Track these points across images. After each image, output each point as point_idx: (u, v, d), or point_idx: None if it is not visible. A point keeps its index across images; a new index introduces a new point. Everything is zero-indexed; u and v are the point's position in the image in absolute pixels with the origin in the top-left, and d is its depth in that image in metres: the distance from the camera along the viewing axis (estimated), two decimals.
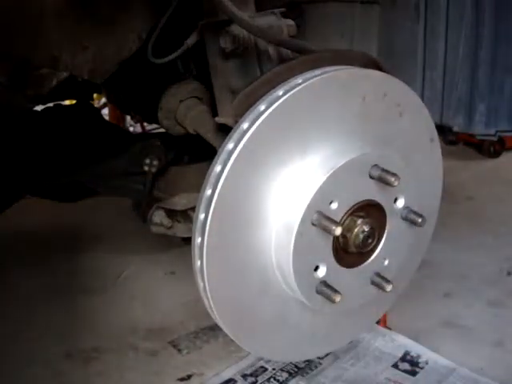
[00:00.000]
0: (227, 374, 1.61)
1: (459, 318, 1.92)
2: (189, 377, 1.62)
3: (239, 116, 1.01)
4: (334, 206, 1.01)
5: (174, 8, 1.33)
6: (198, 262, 1.00)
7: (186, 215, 1.67)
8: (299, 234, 0.98)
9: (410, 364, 1.64)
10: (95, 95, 2.64)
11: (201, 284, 1.02)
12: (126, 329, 1.86)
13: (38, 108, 1.93)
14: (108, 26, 1.26)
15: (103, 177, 1.84)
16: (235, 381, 1.58)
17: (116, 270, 2.27)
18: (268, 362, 1.64)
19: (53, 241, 2.57)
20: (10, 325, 1.84)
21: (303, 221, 0.98)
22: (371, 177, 1.04)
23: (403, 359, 1.66)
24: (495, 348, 1.75)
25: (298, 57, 1.11)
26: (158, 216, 1.68)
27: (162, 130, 1.72)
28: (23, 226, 2.70)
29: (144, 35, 1.33)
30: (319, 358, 1.65)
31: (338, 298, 1.03)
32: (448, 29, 1.53)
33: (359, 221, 1.05)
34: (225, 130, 1.25)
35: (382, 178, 1.02)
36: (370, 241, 1.07)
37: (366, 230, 1.05)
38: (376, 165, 1.03)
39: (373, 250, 1.11)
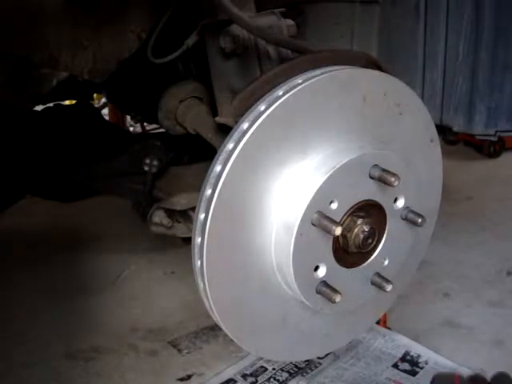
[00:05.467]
0: (227, 374, 1.61)
1: (459, 317, 1.92)
2: (189, 377, 1.62)
3: (239, 116, 1.01)
4: (334, 205, 1.01)
5: (173, 8, 1.33)
6: (198, 262, 1.00)
7: (186, 215, 1.67)
8: (299, 234, 0.98)
9: (410, 364, 1.64)
10: (95, 95, 2.64)
11: (201, 284, 1.02)
12: (125, 329, 1.86)
13: (38, 108, 1.93)
14: (108, 25, 1.26)
15: (103, 177, 1.84)
16: (235, 381, 1.58)
17: (116, 270, 2.27)
18: (268, 361, 1.64)
19: (53, 241, 2.57)
20: (10, 325, 1.84)
21: (303, 221, 0.98)
22: (371, 177, 1.04)
23: (403, 359, 1.66)
24: (495, 348, 1.75)
25: (298, 57, 1.11)
26: (158, 216, 1.68)
27: (162, 130, 1.72)
28: (23, 226, 2.70)
29: (144, 35, 1.32)
30: (319, 358, 1.65)
31: (337, 298, 1.03)
32: (448, 29, 1.53)
33: (359, 221, 1.05)
34: (225, 130, 1.25)
35: (382, 178, 1.02)
36: (369, 241, 1.07)
37: (366, 230, 1.05)
38: (376, 165, 1.03)
39: (373, 250, 1.11)
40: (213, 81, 1.36)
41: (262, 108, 0.97)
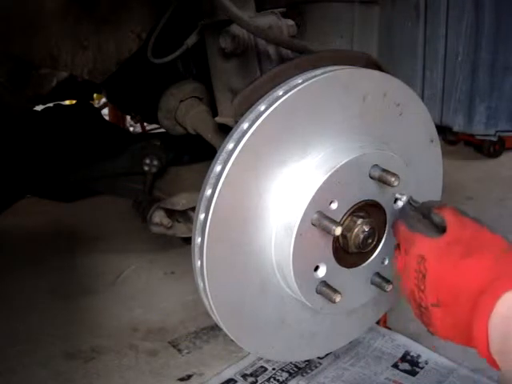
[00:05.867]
0: (227, 374, 1.61)
1: None
2: (189, 377, 1.62)
3: (239, 116, 1.01)
4: (334, 205, 1.01)
5: (174, 8, 1.33)
6: (198, 262, 1.00)
7: (186, 215, 1.67)
8: (299, 234, 0.98)
9: (410, 364, 1.64)
10: (95, 95, 2.64)
11: (201, 284, 1.02)
12: (125, 329, 1.86)
13: (38, 108, 1.93)
14: (108, 26, 1.26)
15: (103, 177, 1.84)
16: (235, 381, 1.58)
17: (116, 270, 2.27)
18: (268, 361, 1.64)
19: (53, 241, 2.57)
20: (10, 325, 1.84)
21: (303, 221, 0.98)
22: (371, 177, 1.04)
23: (403, 359, 1.66)
24: None
25: (298, 57, 1.11)
26: (158, 216, 1.68)
27: (162, 130, 1.72)
28: (23, 226, 2.70)
29: (144, 35, 1.33)
30: (319, 358, 1.65)
31: (337, 298, 1.03)
32: (448, 29, 1.52)
33: (359, 221, 1.05)
34: (225, 130, 1.25)
35: (382, 178, 1.02)
36: (369, 241, 1.07)
37: (366, 230, 1.05)
38: (376, 165, 1.03)
39: (373, 250, 1.11)
40: (213, 81, 1.36)
41: (262, 108, 0.97)
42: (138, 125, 4.38)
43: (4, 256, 2.32)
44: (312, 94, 0.99)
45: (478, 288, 0.83)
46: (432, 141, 1.23)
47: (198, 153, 1.70)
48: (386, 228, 1.12)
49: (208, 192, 0.98)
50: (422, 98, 1.59)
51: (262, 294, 1.06)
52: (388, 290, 1.12)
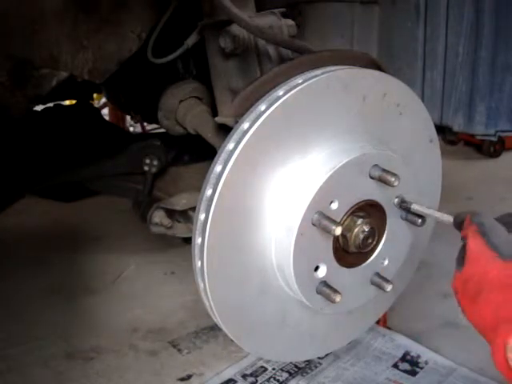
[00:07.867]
0: (227, 374, 1.61)
1: (459, 318, 1.89)
2: (189, 377, 1.62)
3: (239, 116, 1.01)
4: (335, 206, 1.01)
5: (174, 8, 1.33)
6: (198, 263, 1.00)
7: (186, 215, 1.67)
8: (300, 234, 0.98)
9: (410, 364, 1.64)
10: (95, 95, 2.64)
11: (201, 284, 1.02)
12: (125, 329, 1.86)
13: (38, 108, 1.93)
14: (108, 26, 1.26)
15: (103, 177, 1.84)
16: (235, 381, 1.58)
17: (116, 270, 2.27)
18: (268, 362, 1.64)
19: (53, 241, 2.57)
20: (10, 325, 1.84)
21: (304, 221, 0.98)
22: (371, 177, 1.04)
23: (403, 359, 1.66)
24: None
25: (298, 57, 1.11)
26: (158, 216, 1.68)
27: (162, 130, 1.72)
28: (23, 226, 2.70)
29: (144, 35, 1.33)
30: (319, 358, 1.65)
31: (338, 298, 1.03)
32: (448, 29, 1.53)
33: (359, 221, 1.05)
34: (225, 130, 1.25)
35: (382, 178, 1.02)
36: (369, 241, 1.07)
37: (366, 230, 1.05)
38: (376, 165, 1.03)
39: (373, 250, 1.11)
40: (213, 81, 1.36)
41: (263, 108, 0.97)
42: (138, 125, 4.38)
43: (4, 256, 2.32)
44: (312, 93, 0.99)
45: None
46: (431, 141, 1.23)
47: (198, 153, 1.70)
48: (386, 228, 1.12)
49: (208, 192, 0.98)
50: (422, 98, 1.59)
51: (262, 294, 1.06)
52: (388, 289, 1.12)
